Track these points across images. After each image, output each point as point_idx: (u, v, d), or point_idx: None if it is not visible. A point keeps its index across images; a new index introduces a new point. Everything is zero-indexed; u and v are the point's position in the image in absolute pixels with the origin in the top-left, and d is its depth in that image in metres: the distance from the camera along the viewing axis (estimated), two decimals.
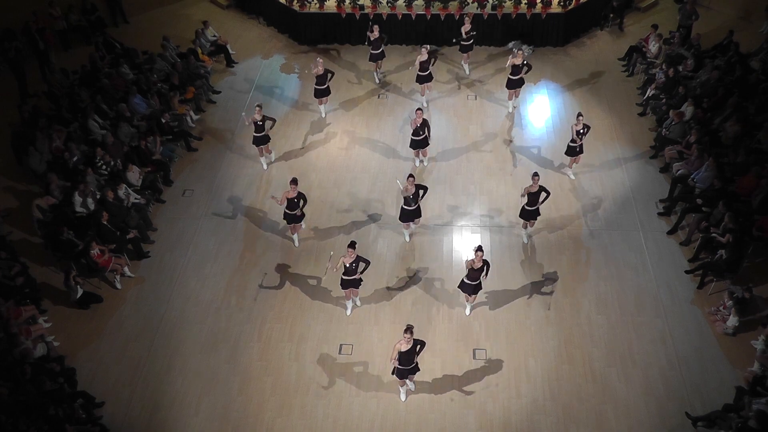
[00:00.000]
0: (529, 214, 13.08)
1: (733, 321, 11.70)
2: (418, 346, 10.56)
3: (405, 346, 10.35)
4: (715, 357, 11.57)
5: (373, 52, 16.98)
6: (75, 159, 14.39)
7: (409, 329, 10.30)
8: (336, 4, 18.39)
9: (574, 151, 14.39)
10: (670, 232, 13.64)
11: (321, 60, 15.88)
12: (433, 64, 16.12)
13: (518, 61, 15.49)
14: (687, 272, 12.88)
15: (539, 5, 18.15)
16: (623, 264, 13.14)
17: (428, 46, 16.25)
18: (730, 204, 12.67)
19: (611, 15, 19.08)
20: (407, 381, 11.06)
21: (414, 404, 11.09)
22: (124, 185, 13.96)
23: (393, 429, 10.83)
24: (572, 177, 14.79)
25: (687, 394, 11.09)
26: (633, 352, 11.71)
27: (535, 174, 12.78)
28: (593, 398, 11.11)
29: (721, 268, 12.29)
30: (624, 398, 11.10)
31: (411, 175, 12.99)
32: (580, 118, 14.03)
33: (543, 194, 12.79)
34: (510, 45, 18.56)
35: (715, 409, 10.59)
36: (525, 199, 12.92)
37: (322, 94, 16.08)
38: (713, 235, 12.62)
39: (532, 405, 11.07)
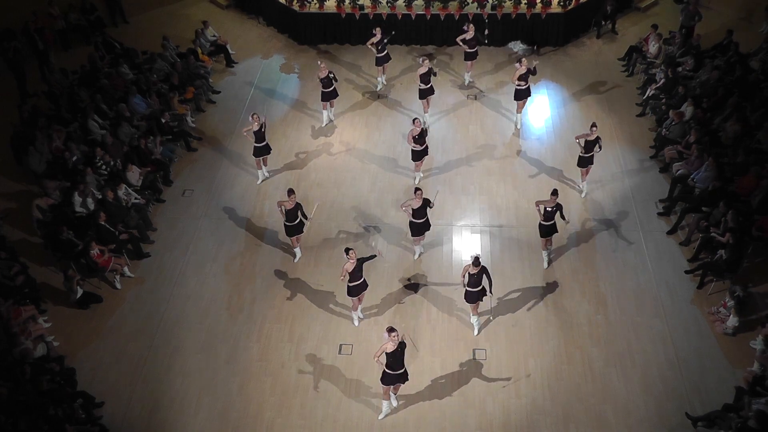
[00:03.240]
0: (548, 230, 12.70)
1: (733, 321, 11.71)
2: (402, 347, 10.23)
3: (391, 347, 10.05)
4: (715, 357, 11.57)
5: (378, 56, 16.61)
6: (75, 159, 14.39)
7: (392, 329, 10.06)
8: (336, 4, 18.37)
9: (585, 161, 13.95)
10: (670, 232, 13.64)
11: (323, 63, 15.74)
12: (434, 75, 15.68)
13: (523, 71, 15.09)
14: (687, 272, 12.89)
15: (539, 5, 18.13)
16: (623, 264, 13.14)
17: (428, 60, 15.61)
18: (729, 204, 12.68)
19: (604, 22, 18.90)
20: (391, 394, 10.75)
21: (414, 404, 11.08)
22: (124, 185, 13.96)
23: (392, 429, 10.83)
24: (583, 196, 14.40)
25: (686, 394, 11.09)
26: (632, 352, 11.71)
27: (554, 191, 12.50)
28: (593, 398, 11.12)
29: (721, 268, 12.29)
30: (623, 398, 11.10)
31: (418, 189, 12.61)
32: (594, 128, 13.62)
33: (558, 212, 12.52)
34: (510, 45, 18.57)
35: (715, 409, 10.59)
36: (542, 214, 12.55)
37: (329, 96, 15.81)
38: (713, 234, 12.63)
39: (532, 405, 11.07)
